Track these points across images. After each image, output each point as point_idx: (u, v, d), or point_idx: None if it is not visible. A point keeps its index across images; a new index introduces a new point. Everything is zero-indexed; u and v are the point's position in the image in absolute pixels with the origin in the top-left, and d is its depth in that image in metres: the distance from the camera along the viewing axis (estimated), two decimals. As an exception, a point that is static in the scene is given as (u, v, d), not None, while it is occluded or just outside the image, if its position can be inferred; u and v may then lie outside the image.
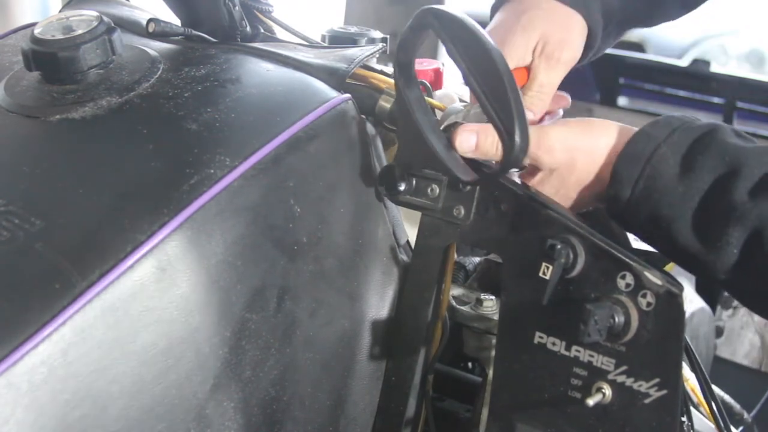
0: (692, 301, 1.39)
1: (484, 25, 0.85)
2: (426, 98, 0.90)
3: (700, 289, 1.53)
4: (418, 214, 0.93)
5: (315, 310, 0.87)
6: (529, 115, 0.93)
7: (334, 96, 0.90)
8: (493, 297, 1.00)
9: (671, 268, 0.89)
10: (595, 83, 2.90)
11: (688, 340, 0.87)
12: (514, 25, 0.98)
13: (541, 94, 0.99)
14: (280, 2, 1.14)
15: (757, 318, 1.93)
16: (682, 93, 2.82)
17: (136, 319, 0.74)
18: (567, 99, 1.04)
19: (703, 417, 1.07)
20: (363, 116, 0.93)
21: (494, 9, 1.04)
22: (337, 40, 1.08)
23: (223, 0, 1.02)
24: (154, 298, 0.75)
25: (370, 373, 0.94)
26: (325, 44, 1.08)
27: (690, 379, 1.02)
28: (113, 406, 0.72)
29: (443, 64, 1.15)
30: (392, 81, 0.96)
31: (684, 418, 0.90)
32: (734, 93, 2.66)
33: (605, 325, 0.79)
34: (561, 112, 1.05)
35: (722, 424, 0.93)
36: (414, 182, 0.91)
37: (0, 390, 0.67)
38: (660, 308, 0.79)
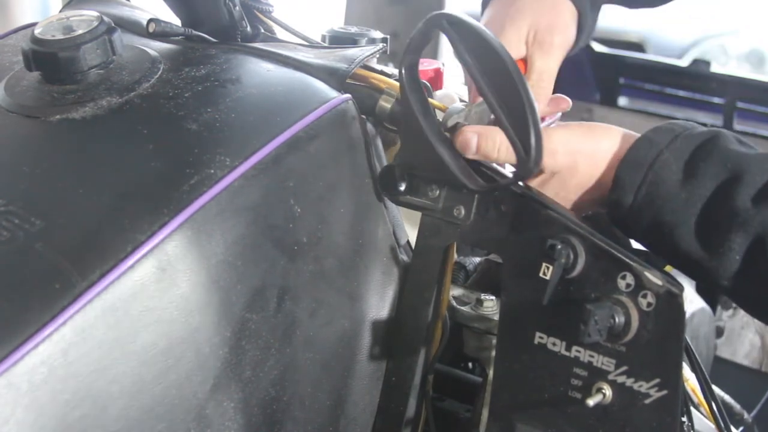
0: (692, 302, 1.39)
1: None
2: (427, 99, 0.90)
3: (701, 290, 1.53)
4: (418, 214, 0.93)
5: (315, 310, 0.87)
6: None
7: (334, 96, 0.90)
8: (493, 297, 1.00)
9: (671, 268, 0.90)
10: (595, 83, 2.89)
11: (689, 340, 0.87)
12: (503, 19, 0.99)
13: (542, 82, 0.99)
14: (280, 2, 1.14)
15: (757, 318, 1.93)
16: (682, 93, 2.81)
17: (136, 319, 0.74)
18: (567, 101, 1.04)
19: (703, 417, 1.07)
20: (363, 116, 0.93)
21: (484, 5, 1.05)
22: (337, 40, 1.08)
23: (223, 0, 1.02)
24: (154, 298, 0.75)
25: (370, 373, 0.94)
26: (325, 44, 1.08)
27: (690, 379, 1.02)
28: (113, 406, 0.72)
29: (443, 64, 1.15)
30: (392, 81, 0.96)
31: (684, 418, 0.90)
32: (734, 93, 2.66)
33: (605, 326, 0.79)
34: (559, 114, 1.05)
35: (722, 425, 0.93)
36: (414, 182, 0.91)
37: (0, 390, 0.67)
38: (660, 308, 0.79)
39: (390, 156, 1.00)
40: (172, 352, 0.75)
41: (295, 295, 0.85)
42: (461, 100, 1.09)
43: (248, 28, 1.05)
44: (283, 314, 0.84)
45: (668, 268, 0.86)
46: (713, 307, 1.66)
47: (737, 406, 1.46)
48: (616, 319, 0.80)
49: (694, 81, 2.76)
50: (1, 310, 0.69)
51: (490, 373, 0.96)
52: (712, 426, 0.96)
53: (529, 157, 0.79)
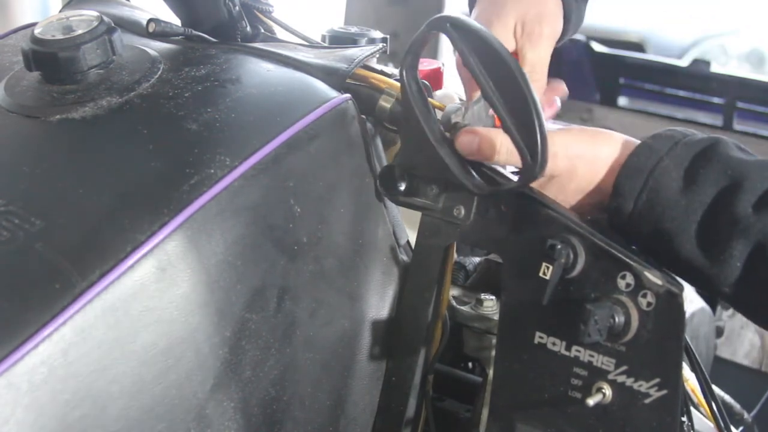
0: (692, 301, 1.39)
1: None
2: (428, 99, 0.90)
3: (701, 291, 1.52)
4: (418, 214, 0.93)
5: (315, 310, 0.87)
6: None
7: (334, 96, 0.90)
8: (493, 297, 1.00)
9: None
10: (595, 83, 2.89)
11: (688, 340, 0.87)
12: (489, 16, 1.00)
13: (535, 74, 1.00)
14: (280, 2, 1.14)
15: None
16: (682, 93, 2.81)
17: (136, 319, 0.74)
18: (563, 86, 1.05)
19: (703, 417, 1.07)
20: (363, 116, 0.93)
21: (471, 4, 1.06)
22: (337, 40, 1.08)
23: (223, 0, 1.02)
24: (154, 298, 0.75)
25: (370, 373, 0.94)
26: (325, 44, 1.08)
27: (690, 379, 1.02)
28: (113, 406, 0.72)
29: (443, 64, 1.15)
30: (392, 81, 0.96)
31: (684, 418, 0.90)
32: (734, 93, 2.66)
33: (605, 325, 0.79)
34: (558, 101, 1.05)
35: (722, 424, 0.93)
36: (414, 182, 0.91)
37: (0, 390, 0.67)
38: (660, 308, 0.79)
39: (390, 156, 1.00)
40: (172, 352, 0.75)
41: (295, 295, 0.85)
42: (460, 100, 1.09)
43: (248, 28, 1.05)
44: (283, 314, 0.84)
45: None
46: (713, 307, 1.65)
47: (737, 406, 1.46)
48: (616, 319, 0.80)
49: (694, 81, 2.76)
50: (1, 310, 0.69)
51: (490, 373, 0.96)
52: (712, 426, 0.96)
53: (535, 163, 0.80)
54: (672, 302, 0.79)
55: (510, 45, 1.00)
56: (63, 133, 0.85)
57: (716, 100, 2.70)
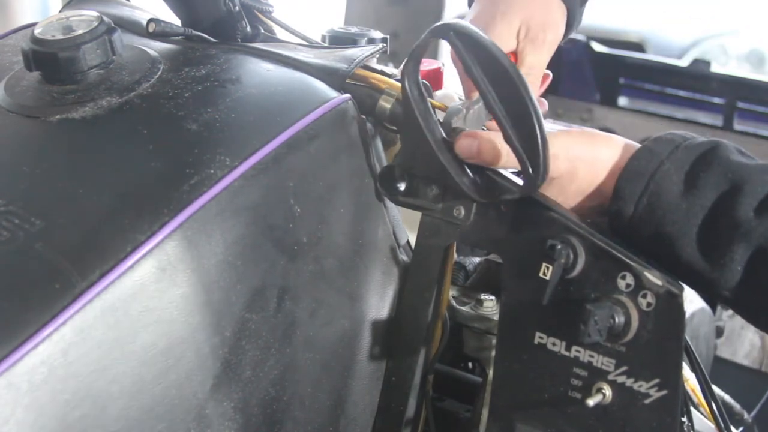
0: (692, 301, 1.39)
1: None
2: (429, 104, 0.90)
3: (700, 290, 1.52)
4: (418, 214, 0.93)
5: (315, 310, 0.87)
6: None
7: (334, 96, 0.90)
8: (493, 297, 1.00)
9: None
10: (595, 83, 2.89)
11: (689, 340, 0.87)
12: (494, 12, 1.00)
13: (531, 76, 1.02)
14: (280, 2, 1.14)
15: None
16: (682, 93, 2.81)
17: (136, 319, 0.74)
18: (548, 75, 1.07)
19: (703, 417, 1.07)
20: (363, 116, 0.93)
21: (470, 1, 1.06)
22: (337, 40, 1.08)
23: (223, 0, 1.02)
24: (154, 298, 0.75)
25: (370, 373, 0.94)
26: (325, 44, 1.08)
27: (690, 379, 1.02)
28: (113, 406, 0.72)
29: (443, 64, 1.15)
30: (392, 81, 0.96)
31: (684, 418, 0.90)
32: (734, 93, 2.66)
33: (605, 326, 0.79)
34: (546, 103, 1.06)
35: (722, 425, 0.93)
36: (414, 182, 0.91)
37: (0, 390, 0.67)
38: (660, 308, 0.79)
39: (390, 156, 1.00)
40: (172, 352, 0.75)
41: (295, 295, 0.85)
42: (460, 100, 1.09)
43: (248, 28, 1.05)
44: (283, 314, 0.84)
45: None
46: (713, 308, 1.66)
47: (737, 406, 1.46)
48: (616, 319, 0.80)
49: (694, 81, 2.76)
50: (1, 310, 0.69)
51: (490, 373, 0.96)
52: (712, 426, 0.96)
53: (536, 174, 0.80)
54: (672, 302, 0.79)
55: (511, 45, 1.00)
56: (63, 133, 0.85)
57: (716, 100, 2.70)
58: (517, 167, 0.83)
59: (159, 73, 0.91)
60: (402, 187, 0.91)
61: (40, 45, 0.88)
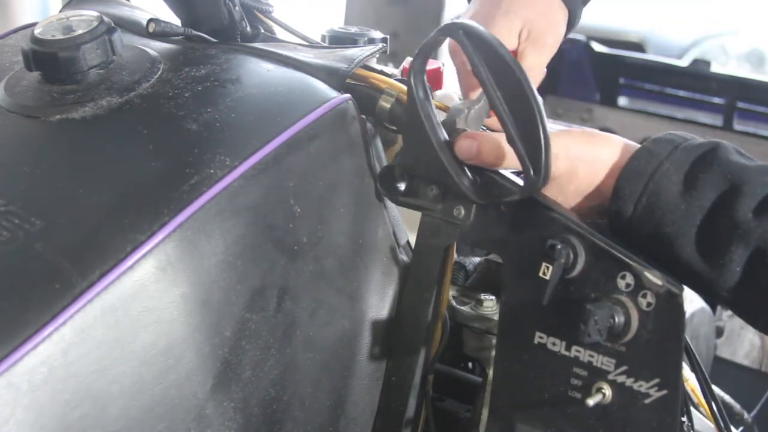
0: (692, 301, 1.39)
1: None
2: (433, 105, 0.90)
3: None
4: (418, 214, 0.93)
5: (315, 310, 0.87)
6: None
7: (334, 96, 0.90)
8: (493, 297, 1.00)
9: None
10: (595, 83, 2.89)
11: (688, 340, 0.87)
12: (494, 11, 1.00)
13: (530, 77, 1.01)
14: (280, 2, 1.14)
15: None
16: (682, 93, 2.81)
17: (136, 319, 0.74)
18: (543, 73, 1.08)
19: (703, 417, 1.07)
20: (363, 116, 0.93)
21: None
22: (337, 40, 1.08)
23: (223, 0, 1.02)
24: (154, 298, 0.75)
25: (370, 373, 0.94)
26: (325, 44, 1.08)
27: (690, 379, 1.02)
28: (113, 406, 0.72)
29: (443, 64, 1.15)
30: (392, 81, 0.96)
31: (684, 418, 0.90)
32: (734, 93, 2.66)
33: (605, 326, 0.79)
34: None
35: (722, 425, 0.93)
36: (414, 182, 0.91)
37: (0, 390, 0.67)
38: (660, 308, 0.79)
39: (390, 156, 1.00)
40: (172, 352, 0.75)
41: (295, 295, 0.85)
42: (459, 99, 1.09)
43: (248, 28, 1.05)
44: (283, 314, 0.84)
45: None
46: (713, 307, 1.66)
47: (737, 406, 1.46)
48: (616, 319, 0.80)
49: (694, 81, 2.76)
50: (1, 310, 0.69)
51: (490, 373, 0.96)
52: (712, 426, 0.96)
53: (538, 177, 0.80)
54: (672, 302, 0.79)
55: (512, 44, 1.01)
56: (63, 133, 0.85)
57: (716, 100, 2.70)
58: (518, 168, 0.83)
59: (159, 73, 0.91)
60: (402, 187, 0.91)
61: (40, 45, 0.88)
